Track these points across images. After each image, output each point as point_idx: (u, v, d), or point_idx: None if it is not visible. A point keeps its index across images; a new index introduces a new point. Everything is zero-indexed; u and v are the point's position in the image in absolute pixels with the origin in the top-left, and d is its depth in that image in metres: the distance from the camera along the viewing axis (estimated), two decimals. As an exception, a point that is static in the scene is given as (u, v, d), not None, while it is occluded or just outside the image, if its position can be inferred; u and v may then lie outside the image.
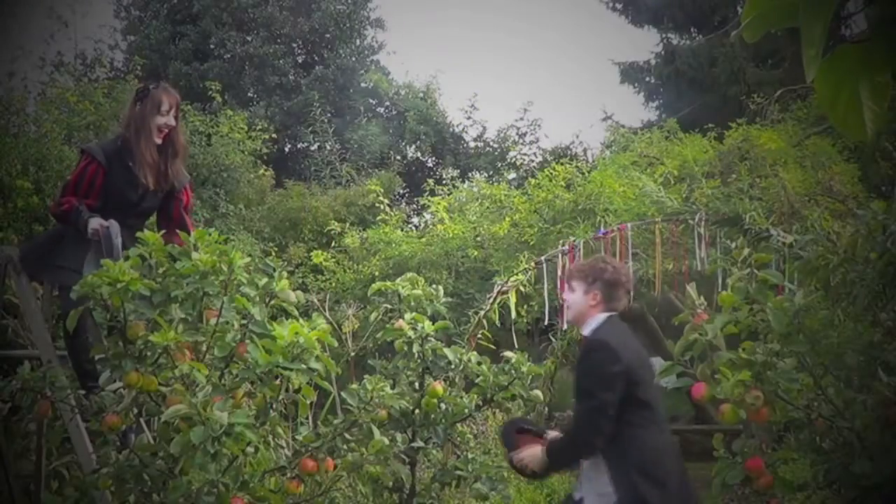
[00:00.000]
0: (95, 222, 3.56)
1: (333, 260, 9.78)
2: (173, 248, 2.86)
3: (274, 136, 12.40)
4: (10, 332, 5.56)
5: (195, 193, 9.27)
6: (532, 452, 3.16)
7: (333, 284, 9.49)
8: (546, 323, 7.53)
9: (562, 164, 10.12)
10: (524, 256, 7.86)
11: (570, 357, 7.17)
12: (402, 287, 3.76)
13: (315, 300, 7.87)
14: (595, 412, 2.97)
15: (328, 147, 14.18)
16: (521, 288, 7.05)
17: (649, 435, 3.01)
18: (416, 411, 3.61)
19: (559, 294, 6.61)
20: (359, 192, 11.85)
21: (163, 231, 3.71)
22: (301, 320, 2.86)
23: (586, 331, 3.20)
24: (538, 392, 3.79)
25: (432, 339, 3.62)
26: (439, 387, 3.58)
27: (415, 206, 14.44)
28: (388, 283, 3.83)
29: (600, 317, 3.17)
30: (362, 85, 17.20)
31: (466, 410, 3.67)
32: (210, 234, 2.89)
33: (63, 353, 3.84)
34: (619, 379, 2.96)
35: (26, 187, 7.04)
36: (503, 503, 3.69)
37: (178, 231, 3.52)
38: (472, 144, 15.61)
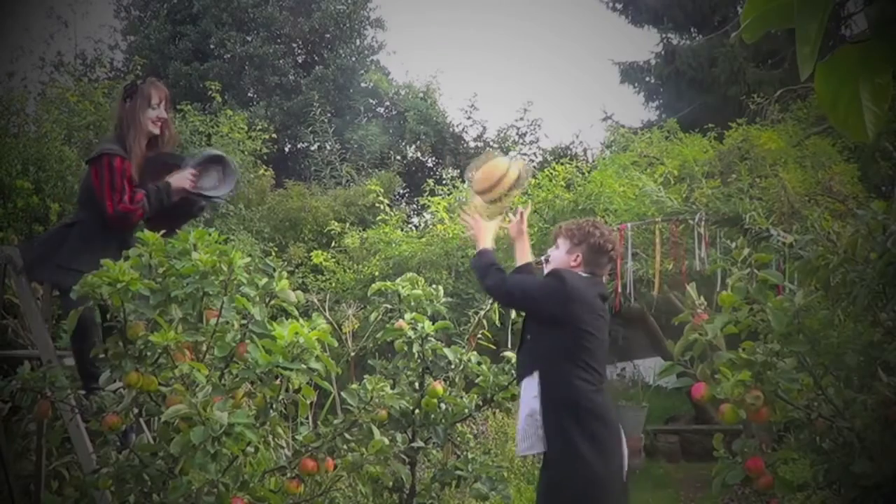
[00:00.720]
0: (180, 179, 3.74)
1: (333, 260, 9.78)
2: (172, 249, 2.86)
3: (274, 136, 12.39)
4: (10, 332, 5.56)
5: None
6: (482, 227, 3.33)
7: (333, 284, 9.49)
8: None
9: (562, 164, 10.11)
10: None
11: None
12: (402, 287, 3.76)
13: (315, 300, 7.86)
14: (519, 290, 3.13)
15: (328, 147, 14.18)
16: (521, 288, 7.03)
17: (585, 386, 3.03)
18: (416, 411, 3.61)
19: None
20: (359, 192, 11.85)
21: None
22: (301, 320, 2.86)
23: None
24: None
25: (432, 339, 3.62)
26: (439, 387, 3.58)
27: (415, 206, 14.44)
28: (388, 283, 3.83)
29: (579, 272, 3.19)
30: (362, 85, 17.20)
31: (466, 410, 3.67)
32: (210, 234, 2.89)
33: (63, 353, 3.84)
34: (562, 312, 3.02)
35: (26, 187, 7.03)
36: (503, 503, 3.69)
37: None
38: (472, 144, 15.61)
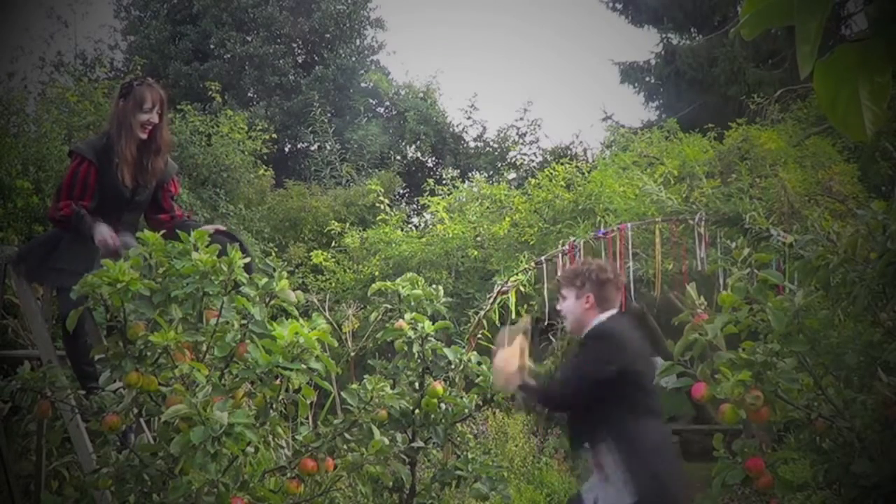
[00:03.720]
0: (103, 231, 3.53)
1: (333, 260, 9.79)
2: (172, 249, 2.85)
3: (274, 136, 12.40)
4: (10, 332, 5.56)
5: (195, 193, 9.32)
6: (509, 356, 3.16)
7: (333, 284, 9.49)
8: (546, 323, 7.53)
9: (562, 164, 10.11)
10: (524, 256, 7.86)
11: (571, 357, 7.17)
12: (402, 287, 3.76)
13: (315, 300, 7.87)
14: (575, 386, 3.06)
15: (328, 147, 14.18)
16: (521, 288, 7.05)
17: (655, 422, 3.07)
18: (416, 411, 3.61)
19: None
20: (359, 192, 11.86)
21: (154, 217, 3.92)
22: (301, 320, 2.86)
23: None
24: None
25: (432, 339, 3.62)
26: (439, 387, 3.58)
27: (415, 206, 14.45)
28: (388, 283, 3.83)
29: (601, 317, 3.16)
30: (362, 85, 17.20)
31: (466, 410, 3.67)
32: (210, 234, 2.89)
33: (63, 353, 3.84)
34: (614, 372, 2.98)
35: (26, 187, 7.03)
36: (503, 503, 3.69)
37: (162, 217, 3.89)
38: (472, 144, 15.61)
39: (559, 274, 3.42)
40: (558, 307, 3.36)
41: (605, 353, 3.04)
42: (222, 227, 3.82)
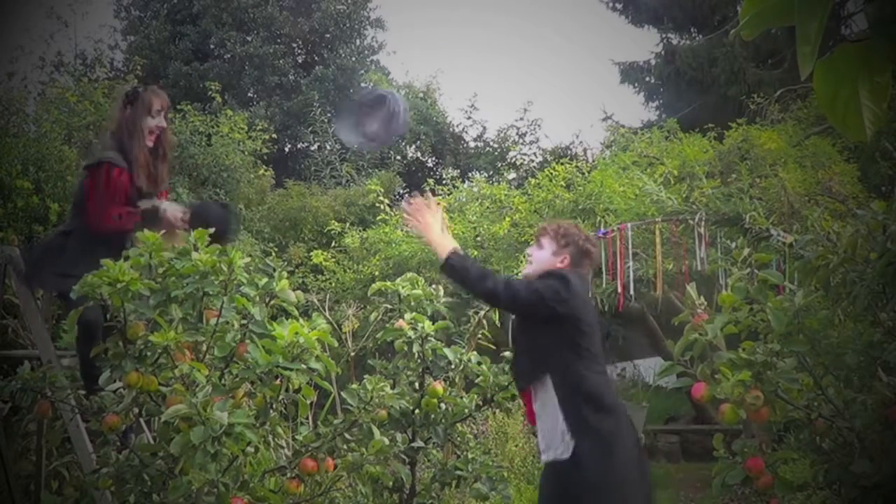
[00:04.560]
0: (173, 210, 3.69)
1: (333, 260, 9.78)
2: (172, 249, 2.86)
3: (274, 136, 12.40)
4: (10, 332, 5.56)
5: (195, 193, 9.32)
6: (430, 222, 3.18)
7: (333, 284, 9.49)
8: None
9: (562, 164, 10.11)
10: (524, 256, 7.84)
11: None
12: (402, 287, 3.75)
13: (315, 300, 7.87)
14: (525, 293, 3.05)
15: (328, 147, 14.19)
16: (521, 288, 7.03)
17: (593, 374, 3.03)
18: (416, 411, 3.61)
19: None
20: (359, 192, 11.86)
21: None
22: (301, 320, 2.86)
23: None
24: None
25: (432, 339, 3.62)
26: (439, 387, 3.58)
27: (415, 206, 14.42)
28: (388, 283, 3.82)
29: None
30: (362, 85, 17.20)
31: (466, 410, 3.67)
32: (210, 234, 2.89)
33: (63, 353, 3.84)
34: (565, 307, 3.00)
35: (26, 187, 7.04)
36: (503, 503, 3.69)
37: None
38: (472, 144, 15.62)
39: (544, 223, 3.40)
40: (529, 251, 3.35)
41: (561, 288, 3.04)
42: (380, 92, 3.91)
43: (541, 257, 3.24)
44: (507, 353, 3.62)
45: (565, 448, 2.93)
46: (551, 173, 9.84)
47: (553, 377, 3.02)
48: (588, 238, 3.28)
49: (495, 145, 15.35)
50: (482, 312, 6.91)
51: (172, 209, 3.70)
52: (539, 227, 3.38)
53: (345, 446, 3.16)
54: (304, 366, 2.73)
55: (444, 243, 3.21)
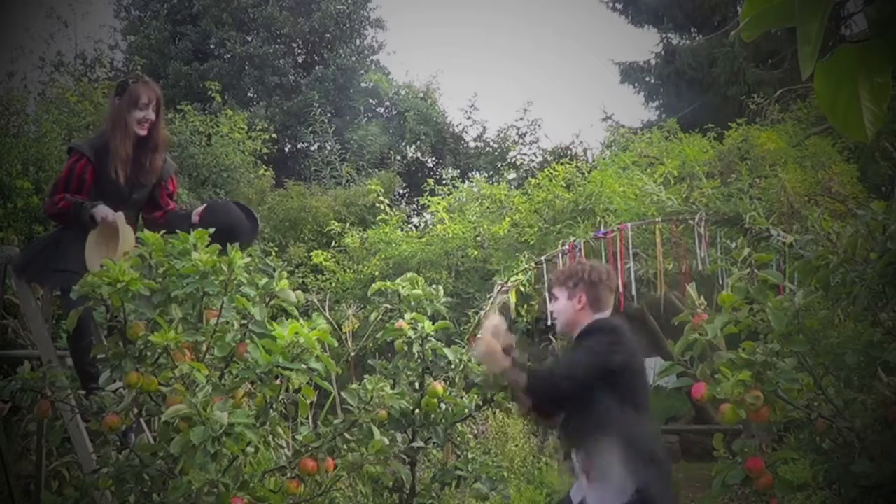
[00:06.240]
0: (104, 208, 3.59)
1: (333, 260, 9.78)
2: (173, 248, 2.86)
3: (274, 136, 12.40)
4: (10, 332, 5.56)
5: (195, 193, 9.32)
6: (492, 341, 3.03)
7: (333, 284, 9.49)
8: (546, 323, 7.53)
9: (562, 164, 10.11)
10: (524, 256, 7.85)
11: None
12: (402, 287, 3.75)
13: (315, 300, 7.86)
14: (580, 376, 2.90)
15: (328, 147, 14.18)
16: (521, 288, 7.05)
17: (652, 422, 3.02)
18: (416, 411, 3.61)
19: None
20: (359, 192, 11.85)
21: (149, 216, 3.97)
22: (301, 320, 2.85)
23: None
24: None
25: (432, 339, 3.62)
26: (439, 387, 3.58)
27: (415, 206, 14.45)
28: (388, 283, 3.82)
29: (596, 316, 3.07)
30: (362, 85, 17.21)
31: (466, 410, 3.67)
32: (210, 234, 2.89)
33: (63, 353, 3.84)
34: (619, 363, 2.89)
35: (26, 187, 7.04)
36: (503, 503, 3.69)
37: (157, 214, 3.94)
38: (472, 144, 15.60)
39: (551, 274, 3.37)
40: (550, 308, 3.29)
41: (610, 344, 2.94)
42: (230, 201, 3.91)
43: (561, 307, 3.15)
44: None
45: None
46: (551, 173, 9.84)
47: (610, 438, 2.89)
48: (594, 268, 3.17)
49: (495, 145, 15.33)
50: (482, 312, 6.92)
51: (102, 209, 3.61)
52: (547, 283, 3.36)
53: (345, 446, 3.15)
54: (304, 366, 2.73)
55: (500, 361, 3.05)
